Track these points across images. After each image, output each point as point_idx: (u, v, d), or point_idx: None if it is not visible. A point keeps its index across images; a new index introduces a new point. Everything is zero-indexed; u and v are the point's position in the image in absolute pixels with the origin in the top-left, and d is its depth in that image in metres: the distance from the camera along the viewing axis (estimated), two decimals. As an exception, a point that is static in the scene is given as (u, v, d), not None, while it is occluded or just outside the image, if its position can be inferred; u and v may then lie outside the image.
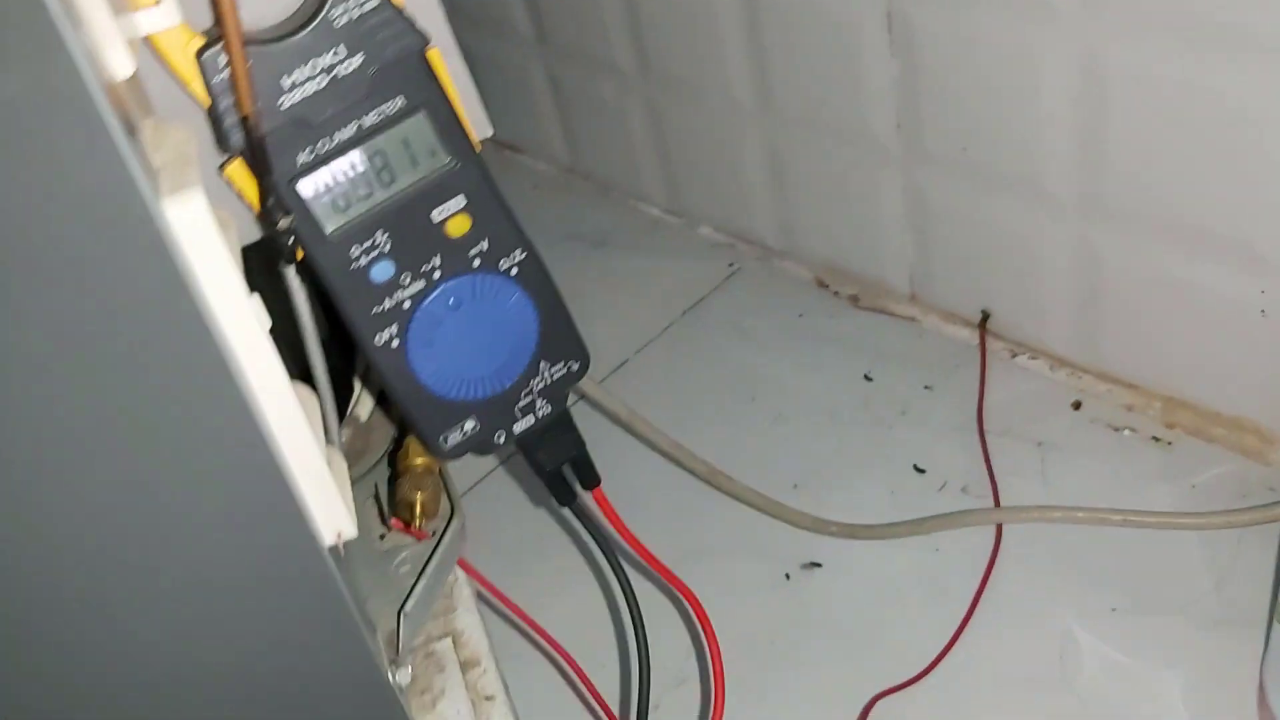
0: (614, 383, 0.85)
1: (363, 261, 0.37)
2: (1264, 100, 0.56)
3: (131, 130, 0.29)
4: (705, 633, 0.47)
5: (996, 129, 0.69)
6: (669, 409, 0.77)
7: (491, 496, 0.78)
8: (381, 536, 0.48)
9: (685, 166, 0.94)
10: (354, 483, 0.51)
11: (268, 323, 0.32)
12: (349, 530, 0.35)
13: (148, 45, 0.34)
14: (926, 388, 0.78)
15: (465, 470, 0.80)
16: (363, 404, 0.53)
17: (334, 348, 0.53)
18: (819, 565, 0.69)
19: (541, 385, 0.41)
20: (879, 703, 0.60)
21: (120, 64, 0.30)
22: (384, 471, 0.50)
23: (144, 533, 0.32)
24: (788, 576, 0.69)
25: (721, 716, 0.47)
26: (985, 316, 0.79)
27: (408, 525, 0.45)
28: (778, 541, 0.71)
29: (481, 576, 0.48)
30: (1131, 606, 0.62)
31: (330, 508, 0.35)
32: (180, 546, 0.33)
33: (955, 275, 0.79)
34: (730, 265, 0.94)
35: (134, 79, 0.32)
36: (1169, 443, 0.70)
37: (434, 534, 0.46)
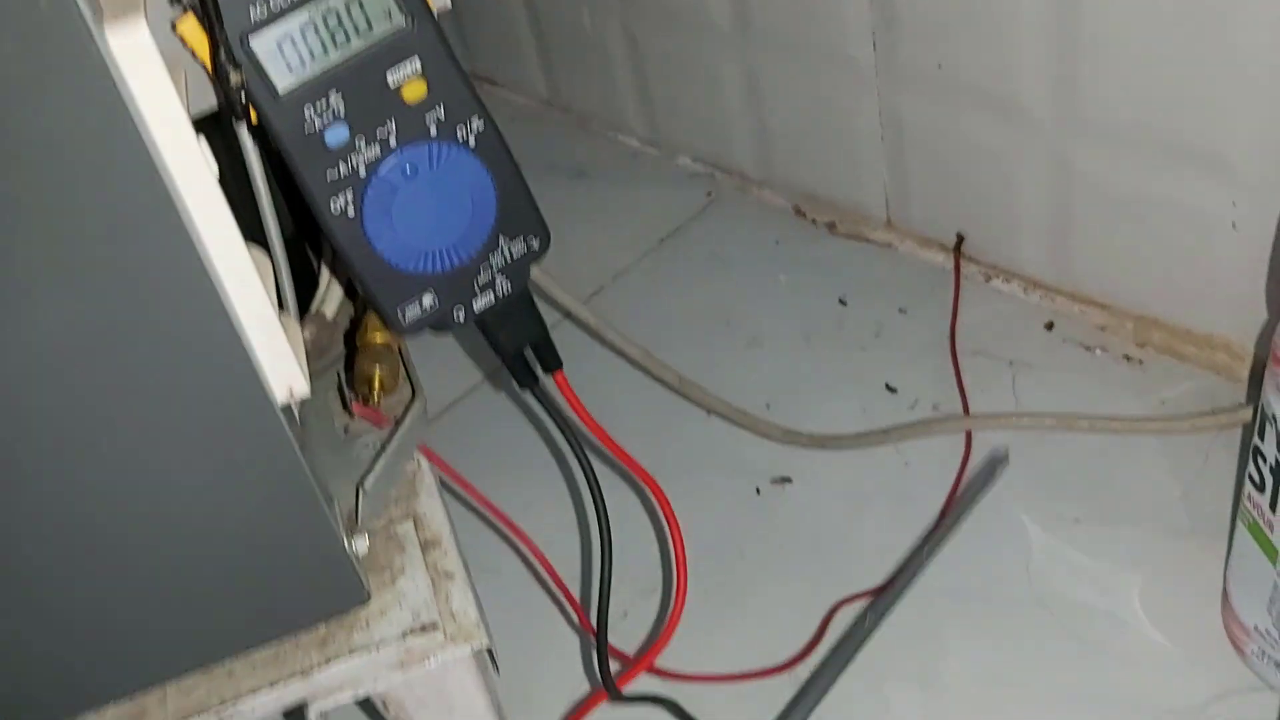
0: (592, 306, 0.84)
1: (316, 125, 0.37)
2: (1239, 9, 0.56)
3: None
4: (666, 518, 0.47)
5: (972, 45, 0.68)
6: (644, 334, 0.77)
7: (471, 416, 0.78)
8: (346, 429, 0.49)
9: (664, 97, 0.94)
10: (317, 376, 0.51)
11: (214, 169, 0.32)
12: (301, 387, 0.35)
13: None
14: (901, 310, 0.79)
15: (444, 389, 0.80)
16: (329, 300, 0.53)
17: (300, 243, 0.53)
18: (789, 480, 0.70)
19: (501, 262, 0.41)
20: (840, 609, 0.61)
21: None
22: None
23: (92, 377, 0.32)
24: (758, 491, 0.69)
25: (683, 600, 0.47)
26: (960, 240, 0.79)
27: (367, 402, 0.45)
28: (748, 457, 0.71)
29: (445, 463, 0.48)
30: (1098, 516, 0.63)
31: (282, 365, 0.35)
32: (128, 392, 0.33)
33: (931, 199, 0.79)
34: (708, 194, 0.93)
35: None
36: (1140, 361, 0.71)
37: (395, 419, 0.46)
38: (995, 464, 0.64)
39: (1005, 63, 0.67)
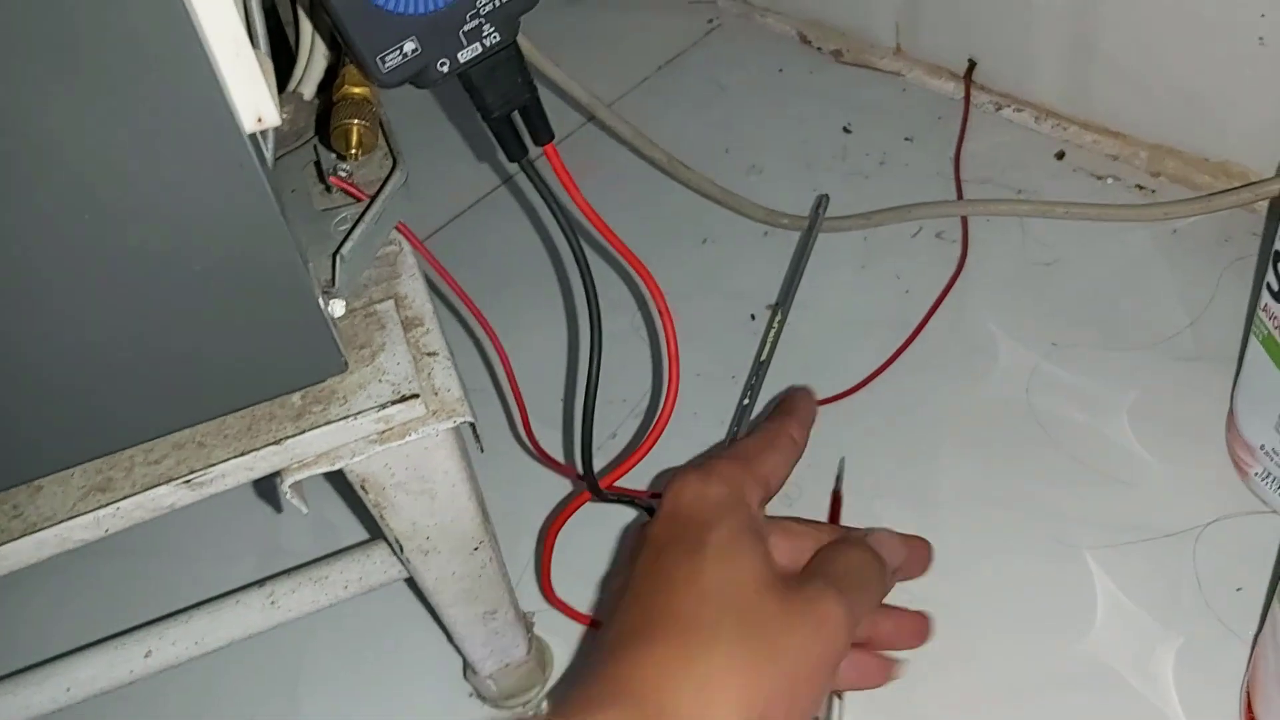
0: (586, 133, 0.81)
1: None
2: None
3: None
4: (658, 306, 0.45)
5: None
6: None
7: (466, 232, 0.76)
8: (324, 210, 0.46)
9: (666, -84, 0.89)
10: (292, 151, 0.48)
11: None
12: (270, 115, 0.33)
13: None
14: (907, 139, 0.76)
15: (439, 204, 0.77)
16: (306, 83, 0.50)
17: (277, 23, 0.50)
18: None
19: (489, 7, 0.38)
20: None
21: None
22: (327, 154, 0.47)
23: (59, 97, 0.29)
24: (753, 317, 0.67)
25: (673, 401, 0.46)
26: (971, 66, 0.76)
27: (343, 158, 0.42)
28: (744, 286, 0.69)
29: (424, 247, 0.45)
30: (1102, 339, 0.61)
31: (249, 88, 0.32)
32: (91, 116, 0.30)
33: (942, 24, 0.76)
34: (710, 21, 0.89)
35: None
36: (1153, 190, 0.68)
37: (374, 190, 0.44)
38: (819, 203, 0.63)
39: None
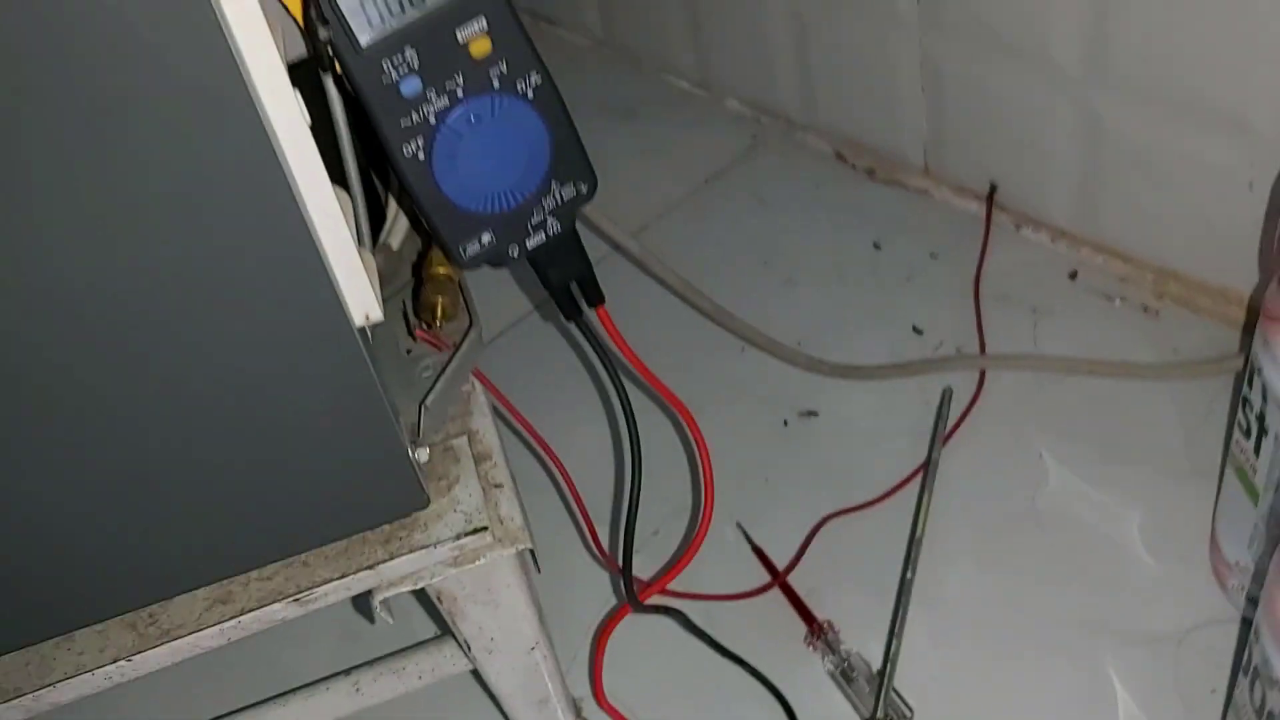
0: (639, 241, 0.89)
1: (394, 76, 0.41)
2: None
3: (191, -65, 0.33)
4: (695, 441, 0.52)
5: (1010, 0, 0.71)
6: (686, 269, 0.81)
7: (522, 342, 0.83)
8: (409, 351, 0.53)
9: (715, 39, 0.97)
10: (385, 301, 0.56)
11: (308, 119, 0.37)
12: (376, 313, 0.40)
13: None
14: (932, 256, 0.82)
15: (498, 318, 0.84)
16: (395, 233, 0.58)
17: (369, 179, 0.58)
18: (815, 414, 0.74)
19: (552, 204, 0.46)
20: (827, 523, 0.66)
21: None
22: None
23: (205, 299, 0.37)
24: (786, 423, 0.74)
25: (708, 524, 0.52)
26: (993, 189, 0.82)
27: (429, 329, 0.50)
28: (778, 391, 0.75)
29: (493, 386, 0.53)
30: (1102, 455, 0.67)
31: (360, 293, 0.40)
32: (230, 314, 0.38)
33: (966, 148, 0.82)
34: (753, 138, 0.97)
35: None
36: (1157, 311, 0.74)
37: (454, 345, 0.51)
38: (944, 397, 0.71)
39: (1040, 19, 0.70)
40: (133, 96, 0.32)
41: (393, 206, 0.57)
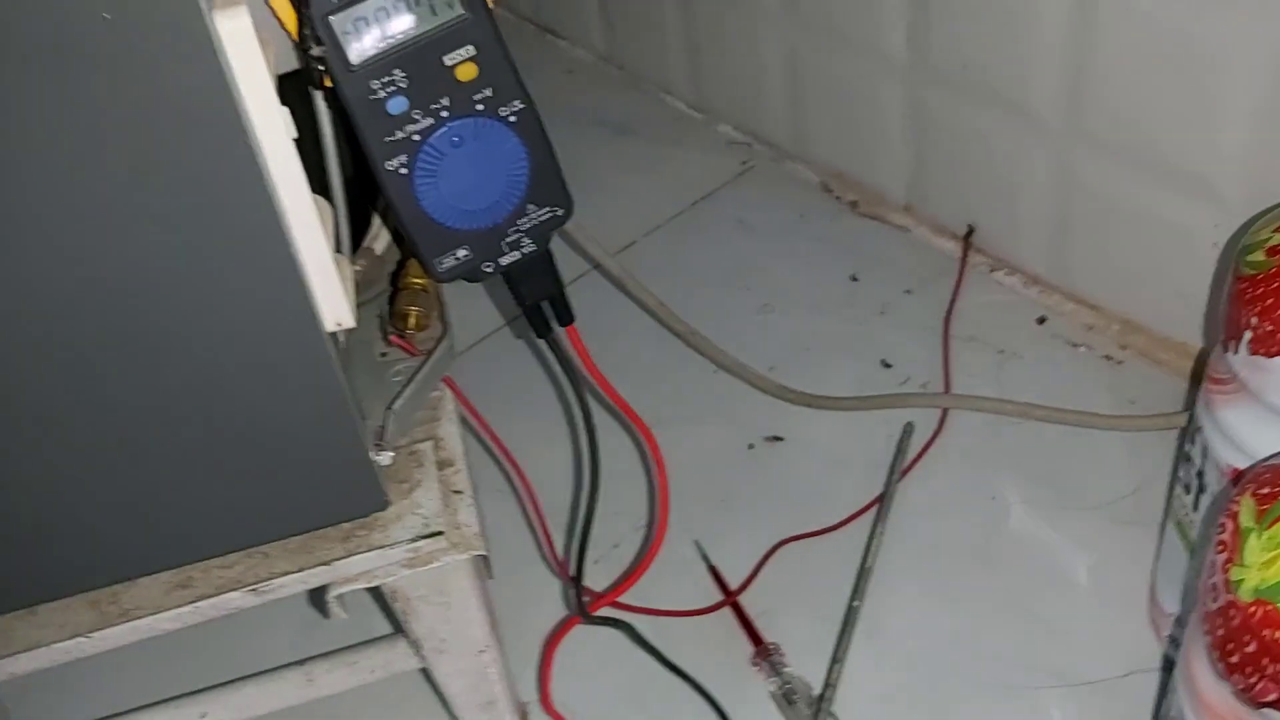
0: (620, 260, 0.90)
1: (381, 94, 0.43)
2: (1231, 51, 0.60)
3: (193, -47, 0.35)
4: (654, 459, 0.53)
5: (995, 50, 0.73)
6: (666, 289, 0.83)
7: (492, 354, 0.85)
8: (383, 355, 0.55)
9: (712, 65, 0.99)
10: (362, 305, 0.58)
11: (293, 132, 0.38)
12: (347, 320, 0.42)
13: (212, -117, 0.39)
14: (907, 291, 0.84)
15: (470, 329, 0.86)
16: (379, 239, 0.59)
17: (359, 189, 0.59)
18: (780, 439, 0.76)
19: (528, 225, 0.47)
20: (781, 548, 0.68)
21: (188, -104, 0.36)
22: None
23: (183, 297, 0.39)
24: (751, 446, 0.76)
25: (662, 539, 0.54)
26: (970, 230, 0.84)
27: (402, 336, 0.51)
28: (746, 415, 0.77)
29: (462, 395, 0.55)
30: (1056, 499, 0.68)
31: (333, 298, 0.41)
32: (204, 311, 0.39)
33: (947, 190, 0.84)
34: (743, 163, 0.98)
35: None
36: (1120, 362, 0.76)
37: (426, 352, 0.53)
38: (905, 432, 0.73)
39: (1023, 71, 0.72)
40: (126, 104, 0.34)
41: (377, 218, 0.58)
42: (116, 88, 0.34)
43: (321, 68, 0.42)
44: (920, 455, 0.72)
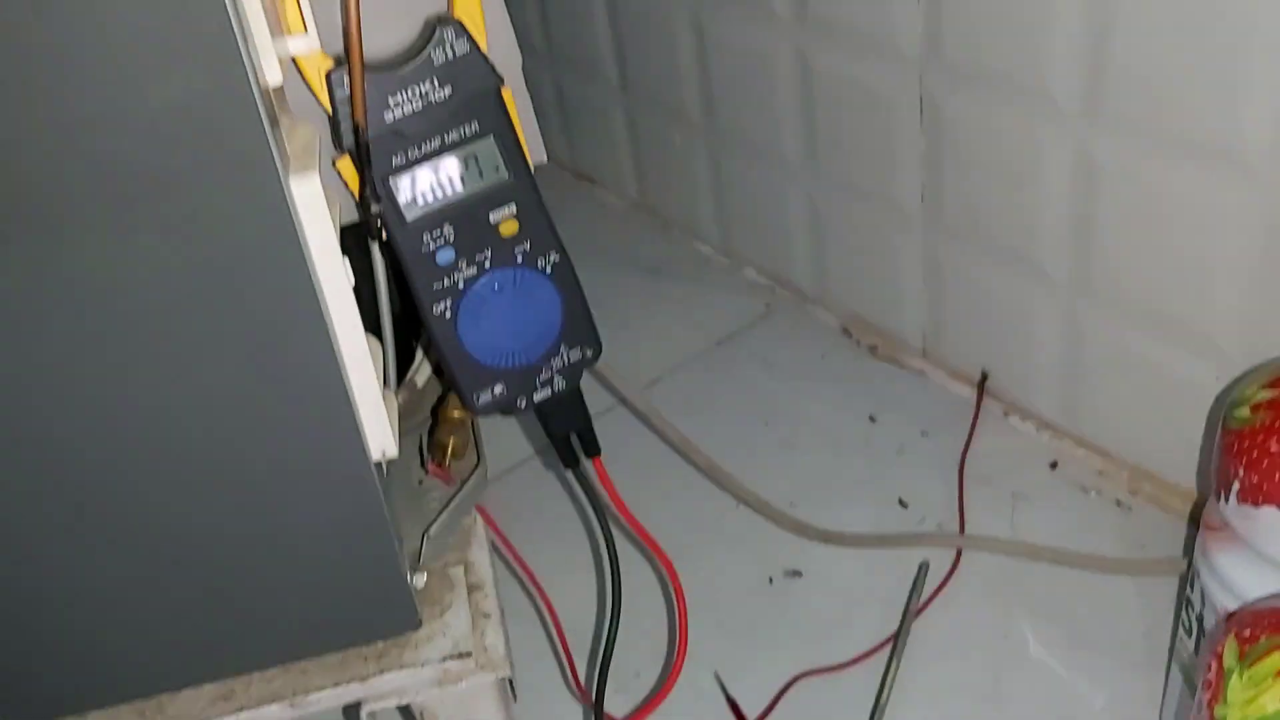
0: (646, 395, 0.94)
1: (431, 246, 0.47)
2: (1226, 216, 0.64)
3: (275, 123, 0.39)
4: (675, 592, 0.56)
5: (1004, 207, 0.77)
6: (691, 424, 0.86)
7: (523, 482, 0.88)
8: (420, 481, 0.59)
9: (738, 213, 1.04)
10: (404, 434, 0.62)
11: (352, 281, 0.43)
12: (391, 451, 0.45)
13: (293, 63, 0.44)
14: (923, 434, 0.87)
15: (502, 454, 0.90)
16: (421, 372, 0.63)
17: (404, 325, 0.64)
18: (799, 574, 0.78)
19: (560, 364, 0.51)
20: (797, 682, 0.69)
21: (273, 74, 0.41)
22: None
23: (243, 427, 0.43)
24: (771, 580, 0.78)
25: (680, 669, 0.56)
26: (984, 377, 0.87)
27: (440, 465, 0.55)
28: (767, 549, 0.80)
29: (493, 521, 0.58)
30: (1067, 641, 0.70)
31: (379, 431, 0.45)
32: (264, 441, 0.43)
33: (961, 337, 0.88)
34: (767, 305, 1.03)
35: (280, 87, 0.43)
36: (1129, 508, 0.78)
37: (461, 480, 0.56)
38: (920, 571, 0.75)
39: (1031, 226, 0.76)
40: (208, 253, 0.38)
41: (420, 351, 0.63)
42: (201, 238, 0.38)
43: (379, 222, 0.47)
44: (935, 594, 0.74)
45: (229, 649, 0.49)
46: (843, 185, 0.90)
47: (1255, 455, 0.47)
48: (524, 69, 0.51)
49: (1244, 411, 0.49)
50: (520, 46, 0.50)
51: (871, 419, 0.89)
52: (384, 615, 0.50)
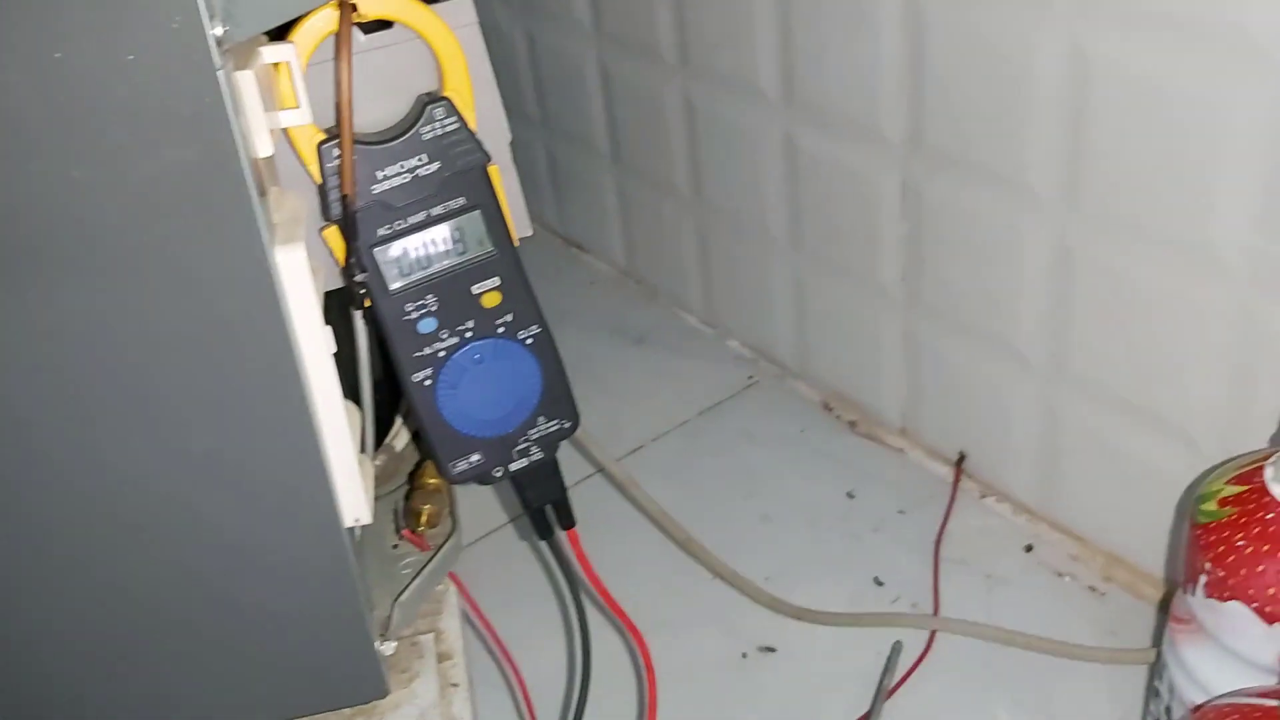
0: (627, 464, 0.94)
1: (413, 315, 0.48)
2: (1197, 313, 0.65)
3: (263, 193, 0.40)
4: (645, 668, 0.56)
5: (982, 291, 0.79)
6: (669, 494, 0.86)
7: (496, 549, 0.88)
8: (394, 546, 0.59)
9: (723, 285, 1.05)
10: (380, 498, 0.62)
11: (333, 348, 0.43)
12: (365, 517, 0.46)
13: (284, 135, 0.45)
14: (900, 511, 0.87)
15: (477, 521, 0.89)
16: (400, 437, 0.64)
17: (385, 390, 0.64)
18: (773, 650, 0.78)
19: (537, 435, 0.52)
20: None
21: (263, 145, 0.42)
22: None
23: (216, 492, 0.43)
24: (744, 656, 0.78)
25: (647, 744, 0.56)
26: (962, 457, 0.88)
27: (414, 532, 0.55)
28: (741, 624, 0.79)
29: (465, 590, 0.58)
30: (1037, 725, 0.70)
31: (354, 497, 0.45)
32: (240, 507, 0.43)
33: (940, 417, 0.89)
34: (749, 378, 1.04)
35: (270, 157, 0.44)
36: (1103, 594, 0.78)
37: (435, 547, 0.56)
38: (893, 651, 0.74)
39: (1009, 313, 0.77)
40: (191, 320, 0.39)
41: (400, 419, 0.63)
42: (185, 304, 0.39)
43: (363, 290, 0.47)
44: (908, 675, 0.74)
45: (193, 713, 0.49)
46: (825, 263, 0.92)
47: (1222, 550, 0.48)
48: (517, 137, 0.52)
49: (1211, 505, 0.49)
50: (515, 115, 0.52)
51: (850, 495, 0.89)
52: (351, 683, 0.50)
